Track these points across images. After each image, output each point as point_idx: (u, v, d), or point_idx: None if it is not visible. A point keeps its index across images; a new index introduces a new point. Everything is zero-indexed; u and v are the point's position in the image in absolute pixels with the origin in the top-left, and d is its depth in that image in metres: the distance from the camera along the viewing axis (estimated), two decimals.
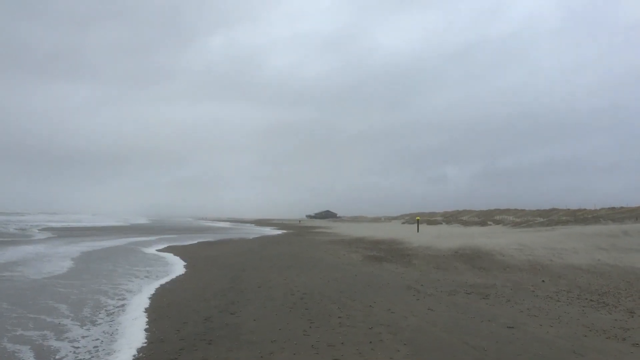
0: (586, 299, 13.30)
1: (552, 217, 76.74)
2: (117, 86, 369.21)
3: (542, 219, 75.19)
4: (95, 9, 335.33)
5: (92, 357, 8.00)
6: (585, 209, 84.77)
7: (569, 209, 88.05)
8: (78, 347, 8.45)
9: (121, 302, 12.36)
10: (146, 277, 16.98)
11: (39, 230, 52.10)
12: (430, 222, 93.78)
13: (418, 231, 52.95)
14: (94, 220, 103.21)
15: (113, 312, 11.22)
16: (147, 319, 10.42)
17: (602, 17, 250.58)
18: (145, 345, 8.52)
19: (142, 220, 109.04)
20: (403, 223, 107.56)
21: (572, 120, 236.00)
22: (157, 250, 28.16)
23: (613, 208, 79.96)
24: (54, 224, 69.87)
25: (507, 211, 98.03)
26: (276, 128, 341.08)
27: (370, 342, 8.51)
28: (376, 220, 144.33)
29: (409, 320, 10.16)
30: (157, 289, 14.28)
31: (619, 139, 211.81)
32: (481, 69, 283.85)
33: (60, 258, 22.44)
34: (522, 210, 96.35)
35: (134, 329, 9.59)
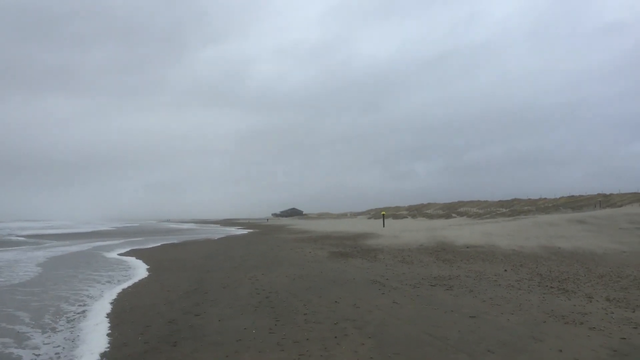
0: (547, 286, 13.62)
1: (514, 207, 78.43)
2: (106, 99, 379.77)
3: (504, 210, 76.77)
4: (94, 30, 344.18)
5: None
6: (545, 199, 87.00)
7: (530, 199, 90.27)
8: (39, 355, 8.24)
9: (82, 308, 12.10)
10: (108, 282, 16.67)
11: (7, 236, 51.13)
12: (396, 217, 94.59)
13: (384, 226, 53.40)
14: (63, 226, 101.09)
15: (74, 319, 10.98)
16: (109, 324, 10.23)
17: (565, 24, 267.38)
18: (107, 350, 8.36)
19: (109, 225, 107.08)
20: (369, 218, 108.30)
21: (535, 117, 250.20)
22: (119, 254, 27.66)
23: (572, 196, 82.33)
24: (26, 231, 68.11)
25: (470, 203, 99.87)
26: (253, 133, 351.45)
27: (336, 337, 8.55)
28: (342, 216, 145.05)
29: (374, 314, 10.24)
30: (119, 294, 14.03)
31: (577, 133, 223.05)
32: (453, 74, 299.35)
33: (23, 264, 21.94)
34: (485, 202, 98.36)
35: (95, 335, 9.40)
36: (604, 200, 69.39)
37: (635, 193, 72.96)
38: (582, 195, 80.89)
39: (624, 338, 8.23)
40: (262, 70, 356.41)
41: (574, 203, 71.30)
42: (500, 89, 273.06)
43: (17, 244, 39.02)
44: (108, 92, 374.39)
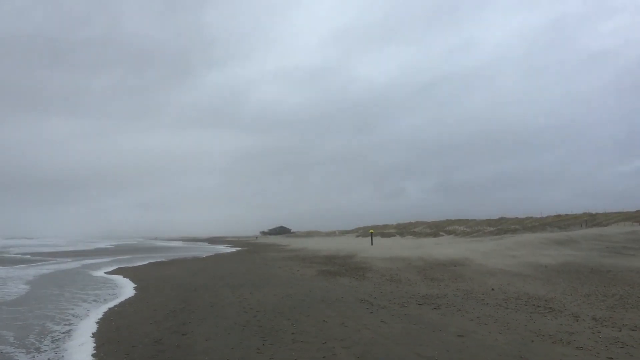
0: (533, 305, 13.67)
1: (501, 226, 78.72)
2: (107, 121, 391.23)
3: (492, 228, 77.04)
4: (105, 56, 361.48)
5: None
6: (532, 217, 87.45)
7: (517, 218, 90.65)
8: None
9: (68, 328, 11.97)
10: (94, 300, 16.50)
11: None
12: (384, 235, 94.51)
13: (372, 244, 53.35)
14: (54, 244, 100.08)
15: (59, 338, 10.85)
16: (94, 344, 10.11)
17: (554, 52, 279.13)
18: None
19: (99, 243, 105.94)
20: (357, 236, 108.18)
21: (523, 139, 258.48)
22: (106, 272, 27.42)
23: (559, 215, 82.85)
24: (18, 249, 67.20)
25: (458, 221, 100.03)
26: (247, 154, 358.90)
27: (324, 356, 8.51)
28: (330, 234, 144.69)
29: (362, 334, 10.21)
30: (105, 313, 13.89)
31: (563, 155, 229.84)
32: (447, 98, 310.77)
33: (12, 282, 21.87)
34: (473, 220, 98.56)
35: (80, 355, 9.29)
36: (590, 219, 69.90)
37: (619, 212, 73.66)
38: (568, 215, 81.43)
39: (611, 358, 8.27)
40: (262, 93, 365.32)
41: (561, 222, 71.72)
42: (491, 112, 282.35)
43: (7, 261, 38.64)
44: (111, 115, 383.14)
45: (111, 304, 15.50)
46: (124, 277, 24.41)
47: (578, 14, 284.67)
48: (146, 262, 36.47)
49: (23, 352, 9.63)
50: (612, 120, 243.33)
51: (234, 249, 66.23)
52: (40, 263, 36.39)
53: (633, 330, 10.40)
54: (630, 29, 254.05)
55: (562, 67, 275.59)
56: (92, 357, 9.08)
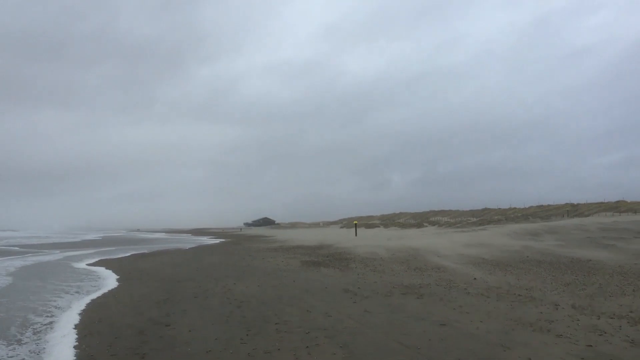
0: (515, 294, 13.83)
1: (484, 217, 79.40)
2: (97, 114, 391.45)
3: (475, 219, 77.64)
4: (98, 51, 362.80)
5: None
6: (515, 208, 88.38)
7: (500, 209, 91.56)
8: None
9: (49, 320, 11.87)
10: (77, 292, 16.38)
11: None
12: (368, 226, 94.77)
13: (356, 235, 53.53)
14: (38, 236, 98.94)
15: (41, 330, 10.76)
16: (76, 336, 10.04)
17: (540, 48, 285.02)
18: None
19: (82, 235, 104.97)
20: (341, 227, 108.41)
21: (507, 131, 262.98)
22: (88, 264, 27.20)
23: (541, 206, 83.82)
24: (2, 241, 66.36)
25: (441, 212, 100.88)
26: (234, 146, 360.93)
27: (307, 346, 8.55)
28: (315, 225, 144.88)
29: (346, 323, 10.27)
30: (87, 305, 13.79)
31: (546, 147, 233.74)
32: (434, 92, 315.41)
33: None
34: (456, 211, 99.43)
35: (62, 347, 9.22)
36: (572, 210, 70.84)
37: (600, 203, 74.82)
38: (550, 205, 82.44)
39: (590, 345, 8.41)
40: (251, 87, 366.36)
41: (543, 212, 72.53)
42: (476, 106, 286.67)
43: None
44: (101, 108, 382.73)
45: (94, 296, 15.40)
46: (106, 268, 24.23)
47: (564, 10, 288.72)
48: (129, 254, 36.25)
49: (4, 344, 9.53)
50: (593, 114, 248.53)
51: (217, 241, 66.05)
52: (23, 255, 36.02)
53: (611, 318, 10.57)
54: (613, 25, 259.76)
55: (546, 63, 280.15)
56: (74, 349, 9.01)
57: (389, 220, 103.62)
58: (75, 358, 8.46)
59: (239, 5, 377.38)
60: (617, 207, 68.51)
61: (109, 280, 19.33)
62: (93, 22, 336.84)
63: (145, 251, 40.53)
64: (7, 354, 8.86)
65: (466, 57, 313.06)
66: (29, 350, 9.13)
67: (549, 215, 68.16)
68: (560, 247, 26.72)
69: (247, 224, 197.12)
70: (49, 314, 12.55)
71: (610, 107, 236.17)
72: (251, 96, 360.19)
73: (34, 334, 10.47)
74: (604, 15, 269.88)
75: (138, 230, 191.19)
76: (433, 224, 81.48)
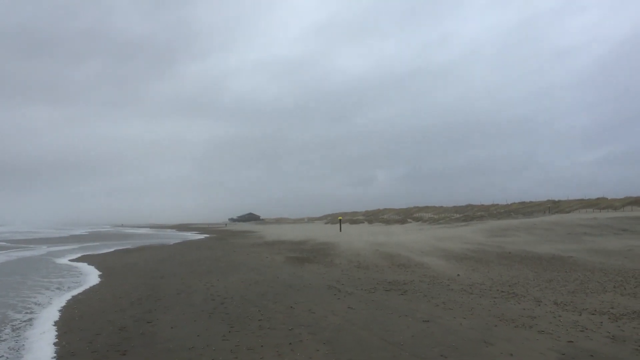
0: (497, 290, 13.92)
1: (467, 213, 79.89)
2: (87, 109, 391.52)
3: (458, 215, 78.13)
4: (90, 47, 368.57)
5: None
6: (498, 204, 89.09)
7: (483, 205, 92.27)
8: None
9: (29, 316, 11.70)
10: (57, 288, 16.19)
11: None
12: (353, 222, 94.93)
13: (340, 231, 53.58)
14: (20, 231, 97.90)
15: (20, 327, 10.60)
16: (56, 333, 9.90)
17: (526, 47, 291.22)
18: (54, 359, 8.10)
19: (65, 231, 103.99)
20: (326, 223, 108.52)
21: (491, 129, 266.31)
22: (70, 260, 26.92)
23: (523, 202, 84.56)
24: None
25: (425, 208, 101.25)
26: (222, 142, 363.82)
27: (290, 343, 8.51)
28: (299, 221, 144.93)
29: (329, 320, 10.24)
30: (68, 301, 13.61)
31: (528, 144, 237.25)
32: (421, 89, 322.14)
33: None
34: (440, 207, 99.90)
35: (41, 344, 9.08)
36: (554, 207, 71.53)
37: (581, 199, 75.67)
38: (532, 202, 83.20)
39: (571, 341, 8.47)
40: (240, 84, 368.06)
41: (525, 209, 73.18)
42: (462, 104, 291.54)
43: None
44: (91, 103, 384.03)
45: (75, 292, 15.21)
46: (88, 264, 24.00)
47: (550, 10, 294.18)
48: (112, 250, 35.96)
49: None
50: (575, 112, 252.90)
51: (202, 236, 65.78)
52: (7, 250, 35.59)
53: (593, 314, 10.68)
54: (598, 26, 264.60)
55: (532, 62, 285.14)
56: (53, 346, 8.88)
57: (374, 216, 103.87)
58: (55, 355, 8.33)
59: (231, 3, 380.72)
60: (597, 203, 69.37)
61: (91, 277, 19.13)
62: (85, 19, 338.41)
63: (129, 247, 40.22)
64: None
65: (453, 56, 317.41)
66: (8, 347, 8.99)
67: (530, 211, 68.79)
68: (542, 244, 26.96)
69: (232, 220, 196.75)
70: (29, 311, 12.38)
71: (592, 106, 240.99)
72: (240, 93, 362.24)
73: (13, 330, 10.31)
74: (589, 16, 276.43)
75: (122, 225, 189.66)
76: (417, 220, 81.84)
